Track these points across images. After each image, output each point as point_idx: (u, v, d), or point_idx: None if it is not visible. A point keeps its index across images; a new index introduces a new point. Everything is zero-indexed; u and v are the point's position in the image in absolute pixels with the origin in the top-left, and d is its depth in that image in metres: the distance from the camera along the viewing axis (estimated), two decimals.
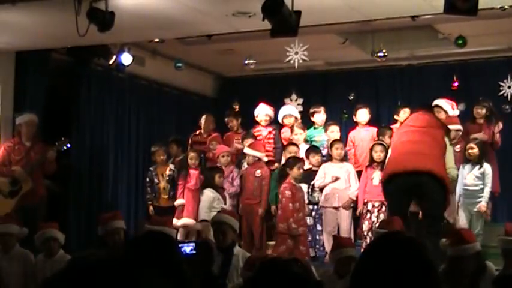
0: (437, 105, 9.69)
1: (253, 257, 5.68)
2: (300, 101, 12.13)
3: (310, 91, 12.55)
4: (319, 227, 9.28)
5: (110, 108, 11.30)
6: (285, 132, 10.44)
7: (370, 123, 10.18)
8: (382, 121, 11.11)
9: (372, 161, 9.07)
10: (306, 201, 9.22)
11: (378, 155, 8.98)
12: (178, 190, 9.97)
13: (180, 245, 4.34)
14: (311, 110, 10.53)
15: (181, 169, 10.09)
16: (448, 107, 9.63)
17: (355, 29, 9.96)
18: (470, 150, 8.97)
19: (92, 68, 10.82)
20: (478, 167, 8.94)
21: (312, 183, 9.25)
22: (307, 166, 9.47)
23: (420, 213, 7.79)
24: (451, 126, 9.31)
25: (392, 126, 9.69)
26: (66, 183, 10.55)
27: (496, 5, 7.78)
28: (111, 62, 10.49)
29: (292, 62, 9.52)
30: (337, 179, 9.14)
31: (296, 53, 9.46)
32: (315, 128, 10.42)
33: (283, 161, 9.69)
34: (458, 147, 9.22)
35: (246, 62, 11.09)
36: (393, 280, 2.02)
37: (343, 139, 10.12)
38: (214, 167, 9.75)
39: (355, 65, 12.24)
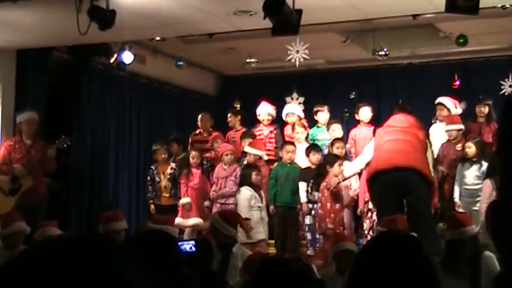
0: (440, 103, 9.70)
1: (252, 257, 5.67)
2: (301, 99, 12.12)
3: (311, 90, 12.54)
4: None
5: (111, 107, 11.30)
6: (288, 130, 10.42)
7: (372, 121, 10.18)
8: (382, 120, 11.06)
9: None
10: (305, 200, 9.21)
11: None
12: (181, 189, 9.95)
13: (179, 243, 4.34)
14: (314, 109, 10.52)
15: (182, 168, 10.08)
16: (451, 105, 9.66)
17: (356, 28, 9.97)
18: (467, 149, 8.97)
19: (93, 67, 10.83)
20: (478, 166, 8.94)
21: (311, 181, 9.23)
22: (306, 164, 9.46)
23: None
24: (452, 126, 9.33)
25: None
26: (67, 182, 10.56)
27: (497, 4, 7.78)
28: (112, 60, 10.49)
29: (293, 60, 9.52)
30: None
31: (297, 51, 9.46)
32: (318, 127, 10.41)
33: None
34: (459, 146, 9.21)
35: (247, 60, 11.09)
36: (391, 278, 2.02)
37: (345, 138, 10.12)
38: (251, 164, 9.52)
39: (356, 64, 12.24)
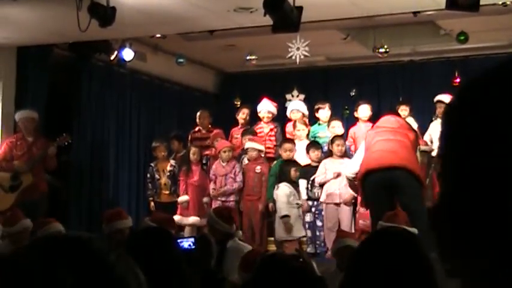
0: (440, 101, 9.70)
1: (249, 255, 5.67)
2: (302, 96, 12.10)
3: (312, 87, 12.53)
4: (319, 223, 9.27)
5: (111, 104, 11.30)
6: (289, 127, 10.41)
7: (371, 119, 10.17)
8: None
9: None
10: (305, 197, 9.21)
11: None
12: (180, 186, 9.96)
13: (179, 240, 4.35)
14: (316, 106, 10.51)
15: (182, 165, 10.08)
16: None
17: (356, 25, 9.96)
18: None
19: (93, 64, 10.83)
20: None
21: (311, 178, 9.24)
22: (305, 161, 9.46)
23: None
24: None
25: None
26: (67, 179, 10.57)
27: (498, 1, 7.78)
28: (112, 57, 10.49)
29: (293, 57, 9.52)
30: (338, 175, 9.12)
31: (298, 48, 9.46)
32: (319, 124, 10.40)
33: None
34: None
35: (248, 57, 11.09)
36: (387, 273, 2.02)
37: (345, 135, 10.11)
38: (290, 160, 9.36)
39: (356, 61, 12.23)
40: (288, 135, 10.29)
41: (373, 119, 10.06)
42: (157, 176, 10.20)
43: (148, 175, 10.34)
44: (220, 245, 6.45)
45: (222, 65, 13.19)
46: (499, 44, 11.10)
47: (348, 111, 11.52)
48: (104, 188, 10.97)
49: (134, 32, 9.30)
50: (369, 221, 8.23)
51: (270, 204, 9.37)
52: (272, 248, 9.21)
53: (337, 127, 10.06)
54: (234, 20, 8.31)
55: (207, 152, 10.40)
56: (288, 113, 10.57)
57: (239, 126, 10.63)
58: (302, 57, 9.51)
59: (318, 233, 9.26)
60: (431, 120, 10.12)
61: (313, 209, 9.28)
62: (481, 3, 6.77)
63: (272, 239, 9.37)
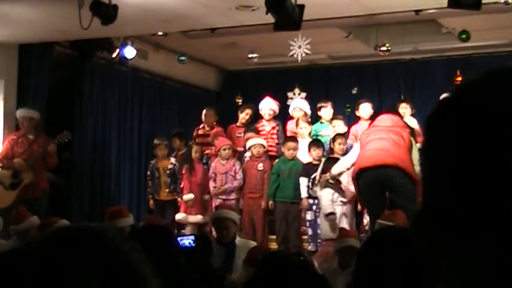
0: None
1: (253, 250, 5.69)
2: (303, 95, 12.10)
3: (313, 85, 12.54)
4: (320, 222, 9.26)
5: (113, 102, 11.31)
6: (291, 125, 10.37)
7: (373, 117, 10.15)
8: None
9: None
10: (305, 195, 9.21)
11: None
12: (184, 184, 9.93)
13: (179, 238, 4.35)
14: (318, 105, 10.49)
15: (184, 163, 10.07)
16: None
17: (358, 23, 9.95)
18: None
19: (95, 61, 10.84)
20: None
21: (312, 176, 9.23)
22: (307, 159, 9.45)
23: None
24: None
25: None
26: (68, 176, 10.58)
27: None
28: (114, 55, 10.50)
29: (295, 56, 9.52)
30: (340, 173, 9.10)
31: (299, 46, 9.46)
32: (321, 123, 10.39)
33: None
34: None
35: (249, 55, 11.08)
36: (393, 272, 2.02)
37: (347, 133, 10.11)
38: (333, 157, 9.24)
39: (358, 59, 12.22)
40: (289, 133, 10.28)
41: (375, 117, 10.07)
42: (157, 174, 10.20)
43: (148, 173, 10.35)
44: (226, 243, 6.48)
45: (223, 63, 13.19)
46: (500, 43, 11.10)
47: (349, 110, 11.52)
48: (105, 185, 10.99)
49: (136, 29, 9.31)
50: None
51: (270, 202, 9.37)
52: (273, 246, 9.21)
53: (338, 126, 10.05)
54: (236, 18, 8.31)
55: (207, 152, 10.37)
56: (290, 111, 10.56)
57: (237, 124, 10.60)
58: (304, 55, 9.51)
59: (319, 231, 9.25)
60: None
61: (314, 207, 9.27)
62: (483, 1, 6.76)
63: (274, 237, 9.38)
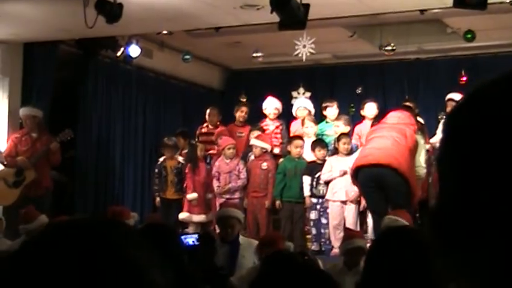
0: (451, 99, 9.69)
1: (265, 238, 5.76)
2: (308, 94, 12.09)
3: (318, 84, 12.53)
4: (324, 221, 9.25)
5: (117, 100, 11.32)
6: (296, 125, 10.34)
7: (377, 117, 10.14)
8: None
9: None
10: (308, 194, 9.20)
11: None
12: (188, 183, 9.92)
13: (183, 237, 4.36)
14: (323, 104, 10.48)
15: (188, 161, 10.06)
16: None
17: (363, 23, 9.94)
18: None
19: (99, 60, 10.85)
20: None
21: (316, 176, 9.23)
22: (311, 158, 9.45)
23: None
24: None
25: None
26: (72, 175, 10.59)
27: None
28: (119, 54, 10.51)
29: (300, 55, 9.51)
30: (345, 173, 9.10)
31: (304, 46, 9.45)
32: (326, 122, 10.38)
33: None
34: None
35: (254, 54, 11.08)
36: (403, 274, 2.02)
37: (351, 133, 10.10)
38: None
39: (363, 59, 12.21)
40: (292, 133, 10.25)
41: (379, 117, 10.06)
42: (164, 173, 10.18)
43: (156, 170, 10.29)
44: (230, 242, 6.51)
45: (228, 62, 13.19)
46: (506, 43, 11.07)
47: (353, 109, 11.50)
48: (109, 183, 11.00)
49: (141, 28, 9.31)
50: None
51: (277, 202, 9.37)
52: None
53: (338, 126, 10.02)
54: (241, 17, 8.30)
55: (210, 151, 10.37)
56: (294, 111, 10.55)
57: (236, 123, 10.61)
58: (308, 54, 9.50)
59: (322, 231, 9.25)
60: (438, 119, 10.08)
61: (318, 207, 9.26)
62: (489, 1, 6.75)
63: None
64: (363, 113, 10.23)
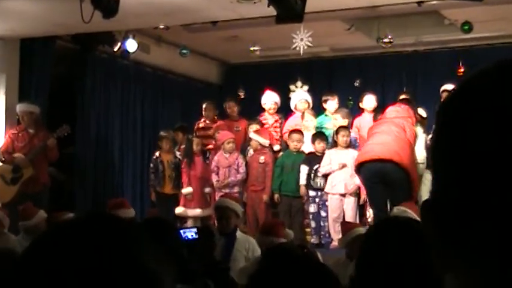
0: (446, 90, 9.70)
1: (268, 221, 5.79)
2: (306, 87, 12.08)
3: (316, 78, 12.52)
4: (323, 214, 9.26)
5: (115, 95, 11.31)
6: (296, 119, 10.28)
7: (376, 109, 10.15)
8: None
9: None
10: (304, 183, 9.20)
11: None
12: (183, 178, 9.93)
13: (182, 231, 4.35)
14: (324, 98, 10.49)
15: (184, 156, 10.07)
16: None
17: (360, 15, 9.93)
18: None
19: (96, 55, 10.83)
20: None
21: (315, 168, 9.22)
22: (310, 150, 9.45)
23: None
24: None
25: None
26: (71, 171, 10.58)
27: None
28: (116, 49, 10.49)
29: (297, 48, 9.50)
30: (344, 166, 9.10)
31: (301, 39, 9.44)
32: (326, 115, 10.37)
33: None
34: None
35: (251, 48, 11.07)
36: (397, 265, 2.02)
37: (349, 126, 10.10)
38: None
39: (360, 52, 12.21)
40: (290, 127, 10.22)
41: (378, 109, 10.07)
42: (161, 167, 10.18)
43: (151, 165, 10.30)
44: (226, 235, 6.52)
45: (225, 56, 13.18)
46: (503, 34, 11.07)
47: (351, 102, 11.50)
48: (108, 179, 10.99)
49: (137, 23, 9.29)
50: None
51: (276, 196, 9.38)
52: None
53: (339, 119, 10.02)
54: (238, 10, 8.28)
55: (209, 147, 10.36)
56: (293, 104, 10.53)
57: (230, 118, 10.60)
58: (306, 48, 9.49)
59: (322, 224, 9.25)
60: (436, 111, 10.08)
61: (317, 200, 9.27)
62: None
63: None
64: (361, 105, 10.25)
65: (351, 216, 9.04)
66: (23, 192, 8.94)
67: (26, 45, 9.91)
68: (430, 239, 0.83)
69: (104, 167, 10.97)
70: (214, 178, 9.71)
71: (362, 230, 6.37)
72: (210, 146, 10.35)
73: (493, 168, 0.76)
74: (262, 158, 9.58)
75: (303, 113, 10.14)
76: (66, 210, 7.41)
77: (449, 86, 9.69)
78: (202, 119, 10.74)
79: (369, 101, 10.13)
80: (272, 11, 7.11)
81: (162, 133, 10.43)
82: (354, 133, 9.93)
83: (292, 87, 12.06)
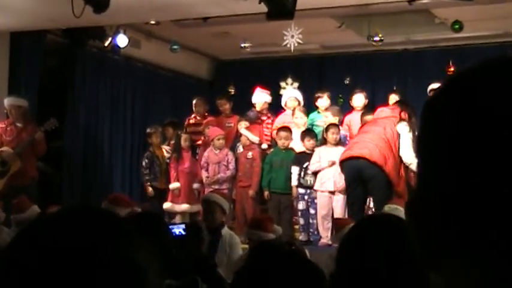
0: (433, 89, 9.72)
1: (256, 217, 5.78)
2: (296, 84, 12.09)
3: (306, 75, 12.53)
4: (312, 211, 9.26)
5: (105, 90, 11.29)
6: (283, 117, 10.29)
7: (366, 107, 10.17)
8: (376, 106, 11.08)
9: None
10: (296, 183, 9.21)
11: None
12: (171, 173, 9.93)
13: (170, 227, 4.35)
14: (316, 95, 10.49)
15: (172, 152, 10.06)
16: None
17: (351, 13, 9.94)
18: None
19: (87, 50, 10.79)
20: None
21: (304, 166, 9.23)
22: (300, 149, 9.45)
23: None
24: None
25: None
26: (60, 165, 10.56)
27: None
28: (106, 43, 10.46)
29: (288, 45, 9.50)
30: (333, 163, 9.10)
31: (292, 36, 9.44)
32: (318, 113, 10.38)
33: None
34: None
35: (242, 45, 11.06)
36: (376, 259, 2.03)
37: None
38: None
39: (351, 49, 12.23)
40: (279, 125, 10.21)
41: (368, 107, 10.09)
42: (157, 162, 10.16)
43: (146, 160, 10.23)
44: (211, 231, 6.53)
45: (216, 52, 13.18)
46: (493, 33, 11.10)
47: (342, 100, 11.52)
48: (97, 174, 10.98)
49: (128, 18, 9.27)
50: None
51: (266, 192, 9.37)
52: None
53: (329, 116, 10.03)
54: (229, 6, 8.28)
55: (198, 142, 10.34)
56: (282, 102, 10.52)
57: (224, 115, 10.58)
58: (296, 45, 9.49)
59: (311, 221, 9.26)
60: None
61: (306, 197, 9.27)
62: None
63: None
64: (351, 103, 10.26)
65: (339, 213, 9.03)
66: (10, 185, 8.91)
67: (16, 39, 9.88)
68: (414, 236, 0.84)
69: (93, 162, 10.95)
70: (204, 174, 9.70)
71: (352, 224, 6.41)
72: (199, 142, 10.33)
73: (477, 164, 0.76)
74: (249, 154, 9.58)
75: (294, 110, 10.14)
76: (55, 204, 7.41)
77: (436, 85, 9.72)
78: (193, 115, 10.72)
79: (358, 100, 10.16)
80: (263, 7, 7.12)
81: (148, 130, 10.40)
82: (344, 130, 9.94)
83: (282, 84, 12.07)
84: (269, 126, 10.29)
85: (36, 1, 8.26)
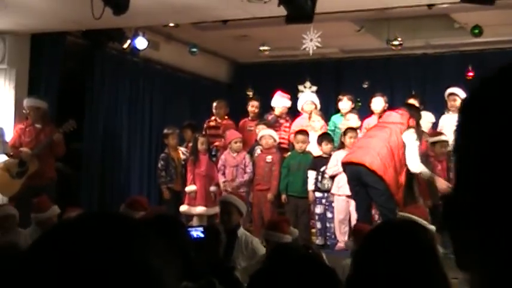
0: (452, 93, 9.67)
1: (274, 218, 5.78)
2: (314, 88, 12.07)
3: (325, 79, 12.52)
4: (329, 215, 9.26)
5: (124, 92, 11.33)
6: (303, 119, 10.27)
7: (385, 112, 10.11)
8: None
9: None
10: (312, 188, 9.20)
11: None
12: (187, 176, 9.92)
13: (188, 229, 4.36)
14: (339, 97, 10.50)
15: (190, 155, 10.06)
16: (464, 95, 9.61)
17: (371, 17, 9.93)
18: None
19: (106, 52, 10.84)
20: None
21: (322, 170, 9.22)
22: (318, 153, 9.44)
23: None
24: None
25: None
26: (79, 166, 10.60)
27: None
28: (125, 46, 10.50)
29: (307, 49, 9.49)
30: None
31: (311, 40, 9.43)
32: (341, 115, 10.35)
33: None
34: None
35: (261, 48, 11.07)
36: (391, 264, 2.02)
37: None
38: None
39: (370, 53, 12.20)
40: (296, 128, 10.20)
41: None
42: (173, 164, 10.16)
43: (162, 162, 10.23)
44: (228, 232, 6.54)
45: (234, 55, 13.19)
46: None
47: (359, 104, 11.48)
48: (115, 175, 11.01)
49: (147, 20, 9.30)
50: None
51: (283, 196, 9.36)
52: None
53: (352, 119, 9.99)
54: (248, 10, 8.29)
55: (216, 143, 10.34)
56: (299, 105, 10.50)
57: (249, 118, 10.59)
58: (315, 48, 9.48)
59: (328, 225, 9.25)
60: (443, 114, 10.07)
61: (323, 201, 9.26)
62: None
63: None
64: (371, 107, 10.22)
65: (357, 218, 9.02)
66: (27, 186, 8.97)
67: (36, 41, 9.94)
68: (449, 236, 0.83)
69: (111, 163, 10.99)
70: (221, 178, 9.69)
71: None
72: (217, 143, 10.32)
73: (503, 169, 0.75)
74: (269, 158, 9.56)
75: (310, 113, 10.13)
76: (73, 205, 7.45)
77: (455, 89, 9.67)
78: (213, 118, 10.71)
79: (378, 103, 10.10)
80: (282, 10, 7.12)
81: (166, 131, 10.39)
82: (362, 134, 9.91)
83: (300, 87, 12.06)
84: (287, 129, 10.29)
85: (56, 3, 8.31)
